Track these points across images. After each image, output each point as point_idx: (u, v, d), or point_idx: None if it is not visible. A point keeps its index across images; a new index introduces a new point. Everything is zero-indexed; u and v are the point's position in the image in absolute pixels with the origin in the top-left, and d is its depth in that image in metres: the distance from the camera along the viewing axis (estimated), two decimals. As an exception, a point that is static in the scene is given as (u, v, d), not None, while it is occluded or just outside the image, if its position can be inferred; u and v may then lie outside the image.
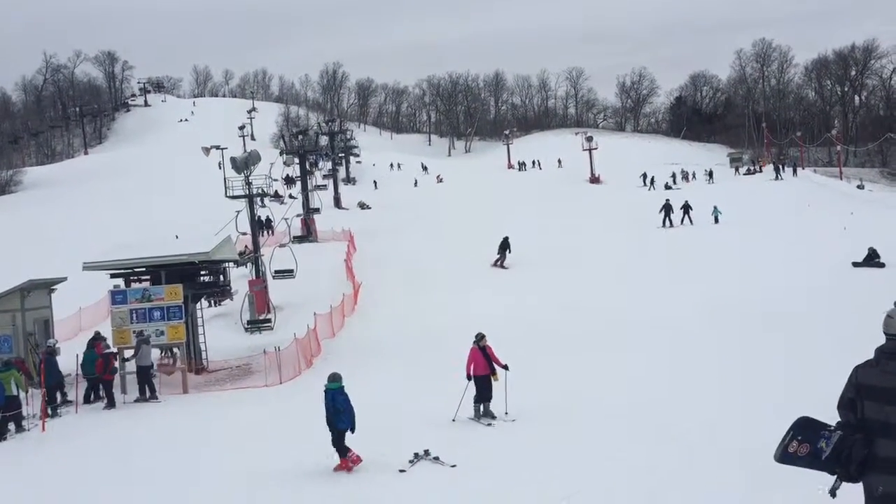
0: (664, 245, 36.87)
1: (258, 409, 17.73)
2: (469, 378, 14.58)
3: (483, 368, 14.47)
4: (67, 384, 19.74)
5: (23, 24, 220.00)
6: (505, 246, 35.15)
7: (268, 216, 43.54)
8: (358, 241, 43.70)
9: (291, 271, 30.34)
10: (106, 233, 40.67)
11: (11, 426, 16.48)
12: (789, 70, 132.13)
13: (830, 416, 5.27)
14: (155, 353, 21.89)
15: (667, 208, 42.27)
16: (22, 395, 16.94)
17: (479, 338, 14.80)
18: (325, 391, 12.01)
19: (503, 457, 12.06)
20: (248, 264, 31.01)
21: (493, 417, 14.34)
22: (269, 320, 25.01)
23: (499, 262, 34.95)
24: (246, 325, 24.47)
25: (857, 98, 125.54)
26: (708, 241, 36.35)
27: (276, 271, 30.84)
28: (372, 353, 22.79)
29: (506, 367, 14.50)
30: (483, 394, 14.51)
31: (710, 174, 69.43)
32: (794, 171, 66.63)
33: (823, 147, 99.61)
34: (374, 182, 78.46)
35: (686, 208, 42.85)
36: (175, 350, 22.43)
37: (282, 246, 30.72)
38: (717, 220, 41.87)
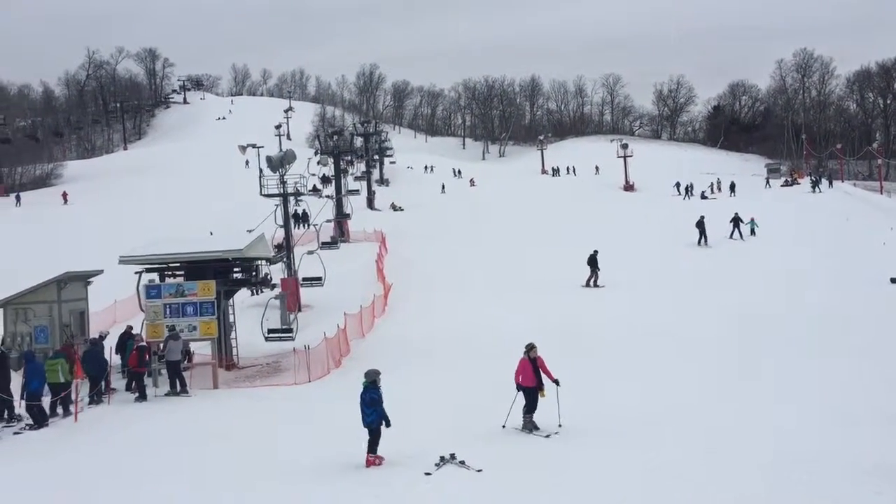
0: (702, 260, 36.12)
1: (287, 406, 17.88)
2: (518, 388, 14.07)
3: (531, 380, 13.86)
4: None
5: (67, 20, 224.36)
6: (594, 262, 31.88)
7: (304, 210, 43.91)
8: (390, 242, 43.85)
9: (320, 279, 30.27)
10: (142, 227, 41.21)
11: (60, 410, 17.35)
12: (831, 81, 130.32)
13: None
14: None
15: (700, 225, 39.59)
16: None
17: (529, 348, 14.13)
18: None
19: (531, 464, 11.99)
20: (283, 261, 31.21)
21: (537, 429, 13.80)
22: (290, 329, 24.59)
23: (591, 282, 31.73)
24: (266, 334, 24.39)
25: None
26: (745, 256, 35.80)
27: (304, 279, 30.77)
28: (401, 354, 22.79)
29: (556, 382, 13.86)
30: (530, 405, 13.97)
31: (732, 187, 66.35)
32: (830, 183, 65.60)
33: (864, 160, 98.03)
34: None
35: (736, 221, 40.60)
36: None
37: (310, 253, 30.70)
38: (753, 232, 41.18)
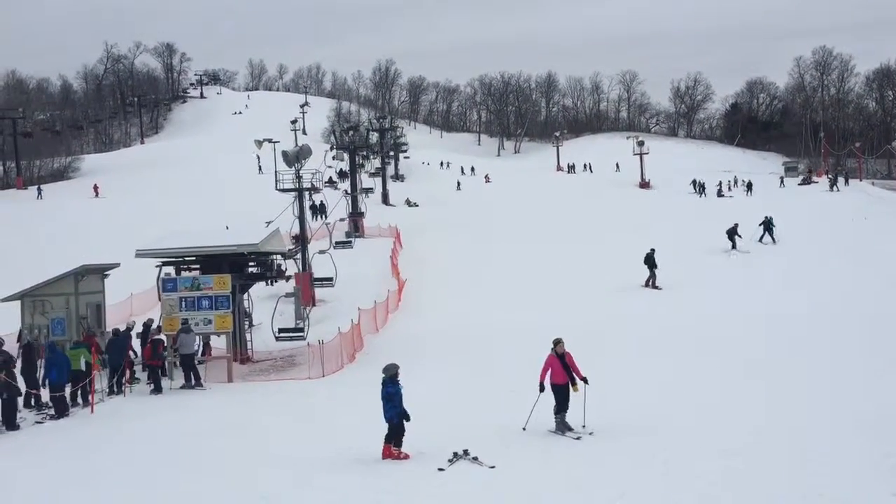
0: (727, 262, 35.21)
1: (300, 400, 17.94)
2: (542, 388, 13.43)
3: (561, 377, 13.40)
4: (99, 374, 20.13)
5: (85, 15, 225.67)
6: (651, 262, 30.99)
7: (322, 201, 44.01)
8: (404, 238, 43.87)
9: (331, 279, 30.11)
10: (159, 221, 41.42)
11: (80, 400, 17.79)
12: (850, 79, 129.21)
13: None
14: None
15: (731, 233, 36.82)
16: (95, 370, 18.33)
17: (556, 343, 13.65)
18: None
19: (546, 462, 11.94)
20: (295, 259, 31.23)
21: (570, 429, 13.39)
22: (301, 329, 24.38)
23: (650, 282, 30.97)
24: (277, 334, 24.40)
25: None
26: (767, 257, 35.33)
27: (315, 279, 30.58)
28: (415, 349, 22.82)
29: (585, 381, 13.43)
30: (562, 404, 13.50)
31: (749, 186, 64.78)
32: (847, 181, 64.96)
33: (883, 159, 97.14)
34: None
35: (767, 224, 38.46)
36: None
37: (322, 253, 30.63)
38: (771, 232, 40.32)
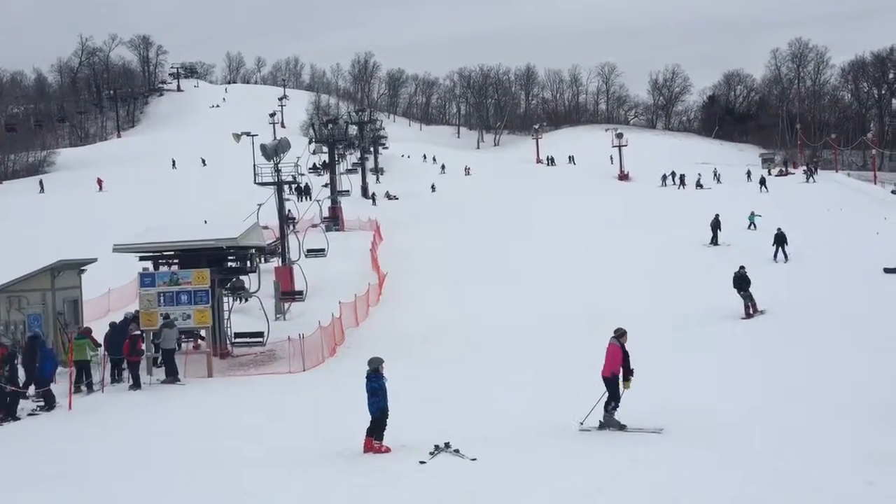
0: (709, 258, 34.19)
1: (281, 394, 17.89)
2: (626, 377, 12.66)
3: (610, 371, 12.62)
4: (95, 363, 20.03)
5: (60, 6, 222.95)
6: (744, 282, 24.30)
7: (307, 184, 43.81)
8: (384, 231, 43.81)
9: (301, 293, 29.65)
10: (136, 215, 41.03)
11: (84, 388, 18.50)
12: (825, 71, 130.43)
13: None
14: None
15: (714, 225, 35.98)
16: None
17: (620, 334, 12.71)
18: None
19: (525, 454, 11.95)
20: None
21: (622, 427, 12.65)
22: (260, 334, 23.64)
23: (751, 309, 23.99)
24: (233, 339, 23.79)
25: (894, 101, 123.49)
26: (745, 249, 35.25)
27: (284, 293, 29.75)
28: (395, 343, 22.83)
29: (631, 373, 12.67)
30: (616, 397, 12.73)
31: (763, 181, 60.11)
32: (816, 169, 65.55)
33: (858, 150, 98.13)
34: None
35: (781, 240, 32.85)
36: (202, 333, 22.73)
37: (292, 262, 30.23)
38: (753, 226, 39.15)
